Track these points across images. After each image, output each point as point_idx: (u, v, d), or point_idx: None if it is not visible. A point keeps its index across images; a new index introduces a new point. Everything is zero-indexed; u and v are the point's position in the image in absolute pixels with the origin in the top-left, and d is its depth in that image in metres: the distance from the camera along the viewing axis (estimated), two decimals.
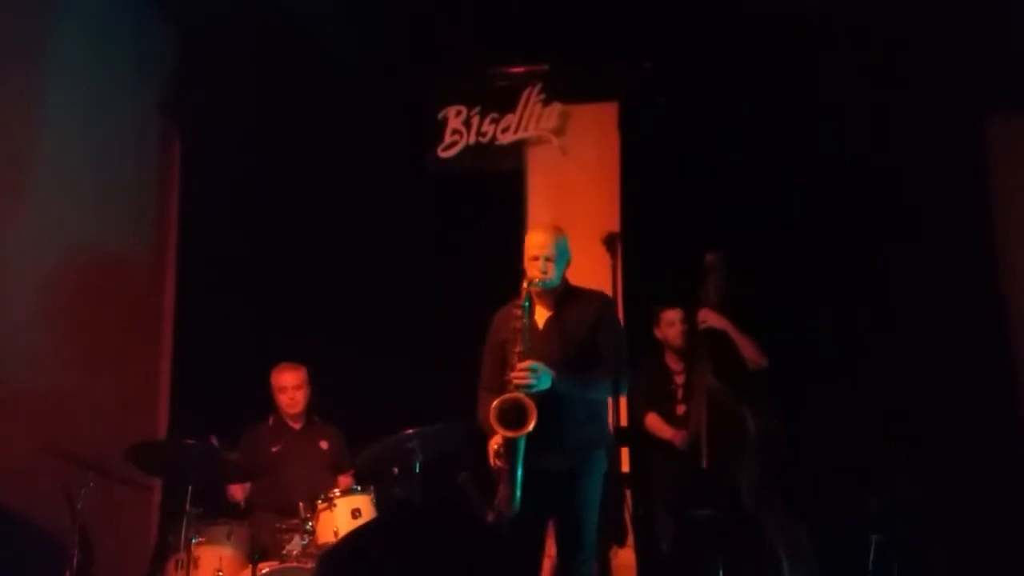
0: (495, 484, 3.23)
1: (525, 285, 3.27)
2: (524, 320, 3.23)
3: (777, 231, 4.59)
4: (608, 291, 3.82)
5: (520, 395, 3.15)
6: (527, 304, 3.26)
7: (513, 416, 3.16)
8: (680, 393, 4.37)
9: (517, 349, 3.21)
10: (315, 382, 4.50)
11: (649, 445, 4.34)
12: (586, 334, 3.35)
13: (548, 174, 5.18)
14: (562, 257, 3.39)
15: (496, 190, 5.07)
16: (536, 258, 3.34)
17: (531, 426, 3.12)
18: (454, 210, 5.03)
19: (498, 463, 3.20)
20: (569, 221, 5.04)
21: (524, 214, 5.08)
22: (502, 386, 3.24)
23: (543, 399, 3.15)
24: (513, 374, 3.16)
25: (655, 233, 4.75)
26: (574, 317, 3.37)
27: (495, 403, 3.16)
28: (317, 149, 5.19)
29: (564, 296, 3.41)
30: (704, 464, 4.08)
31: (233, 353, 4.94)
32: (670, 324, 4.37)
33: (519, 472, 3.17)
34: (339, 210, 5.14)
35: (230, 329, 5.00)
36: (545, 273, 3.32)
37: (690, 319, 4.33)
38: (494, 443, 3.24)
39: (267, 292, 5.10)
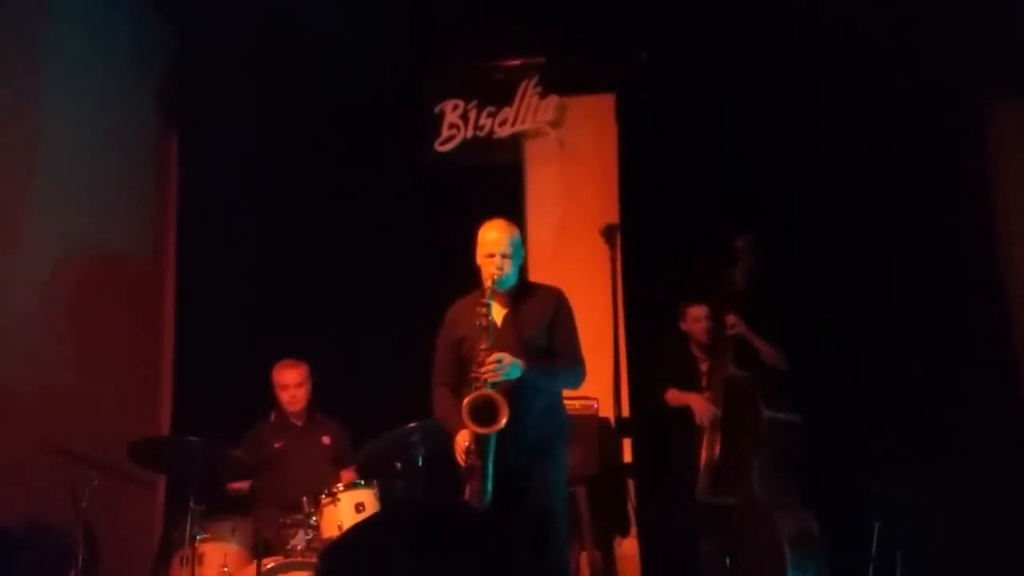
0: (465, 480, 3.26)
1: (489, 284, 3.29)
2: (488, 318, 3.25)
3: (776, 220, 4.57)
4: (608, 281, 3.82)
5: (491, 392, 3.19)
6: (490, 302, 3.27)
7: (484, 413, 3.20)
8: (704, 380, 4.36)
9: (483, 347, 3.23)
10: (317, 377, 4.49)
11: (662, 429, 4.34)
12: (543, 330, 3.39)
13: (546, 167, 5.20)
14: (517, 253, 3.40)
15: (494, 184, 5.08)
16: (492, 255, 3.35)
17: (503, 422, 3.16)
18: (452, 204, 5.02)
19: (469, 460, 3.24)
20: (568, 213, 5.15)
21: (523, 207, 5.12)
22: (468, 383, 3.27)
23: (509, 396, 3.19)
24: (482, 369, 3.19)
25: (654, 224, 4.77)
26: (530, 313, 3.41)
27: (466, 401, 3.20)
28: (315, 144, 5.16)
29: (520, 292, 3.44)
30: (717, 449, 4.10)
31: (234, 349, 4.94)
32: (695, 320, 4.38)
33: (490, 467, 3.21)
34: (337, 205, 5.15)
35: (231, 325, 5.00)
36: (501, 270, 3.33)
37: (714, 315, 4.33)
38: (462, 440, 3.27)
39: (267, 287, 5.10)
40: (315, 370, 4.49)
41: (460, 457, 3.28)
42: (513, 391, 3.23)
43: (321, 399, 4.55)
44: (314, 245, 5.12)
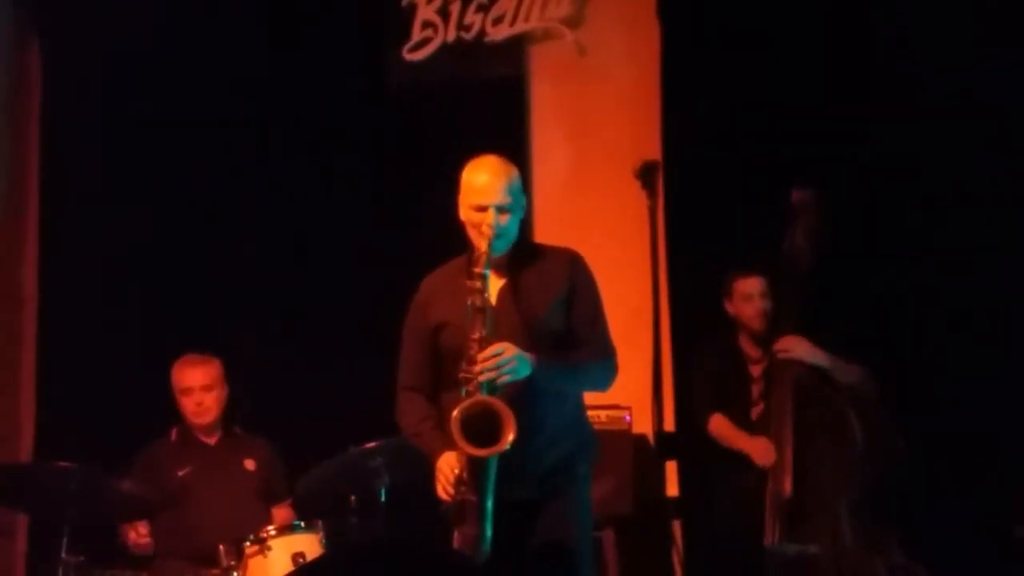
0: (452, 523, 3.26)
1: (484, 248, 3.27)
2: (484, 295, 3.24)
3: (883, 158, 4.58)
4: (646, 240, 3.86)
5: (491, 399, 3.17)
6: (486, 273, 3.26)
7: (483, 428, 3.17)
8: (757, 389, 4.43)
9: (476, 336, 3.21)
10: (235, 381, 4.54)
11: (711, 454, 4.42)
12: (556, 308, 3.38)
13: (560, 83, 5.22)
14: (517, 204, 3.37)
15: (485, 107, 5.10)
16: (483, 208, 3.31)
17: (509, 439, 3.14)
18: (428, 138, 5.06)
19: (460, 495, 3.22)
20: (588, 147, 5.15)
21: (526, 140, 5.15)
22: (453, 386, 3.28)
23: (512, 406, 3.18)
24: (478, 367, 3.18)
25: (709, 162, 4.79)
26: (537, 285, 3.40)
27: (455, 412, 3.18)
28: (235, 58, 5.19)
29: (520, 257, 3.43)
30: (788, 482, 4.15)
31: (121, 345, 5.02)
32: (746, 298, 4.44)
33: (489, 504, 3.20)
34: (267, 144, 5.20)
35: (116, 312, 5.07)
36: (497, 228, 3.30)
37: (774, 288, 4.38)
38: (448, 467, 3.26)
39: (167, 262, 5.15)
40: (232, 370, 4.53)
41: (445, 490, 3.27)
42: (520, 396, 3.21)
43: (242, 410, 4.60)
44: (234, 201, 5.17)
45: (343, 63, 5.20)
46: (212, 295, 5.07)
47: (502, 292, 3.38)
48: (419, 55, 5.24)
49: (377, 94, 5.23)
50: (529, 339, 3.30)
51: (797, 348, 4.24)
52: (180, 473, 4.43)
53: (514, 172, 3.38)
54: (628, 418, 4.64)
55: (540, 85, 5.24)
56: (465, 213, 3.35)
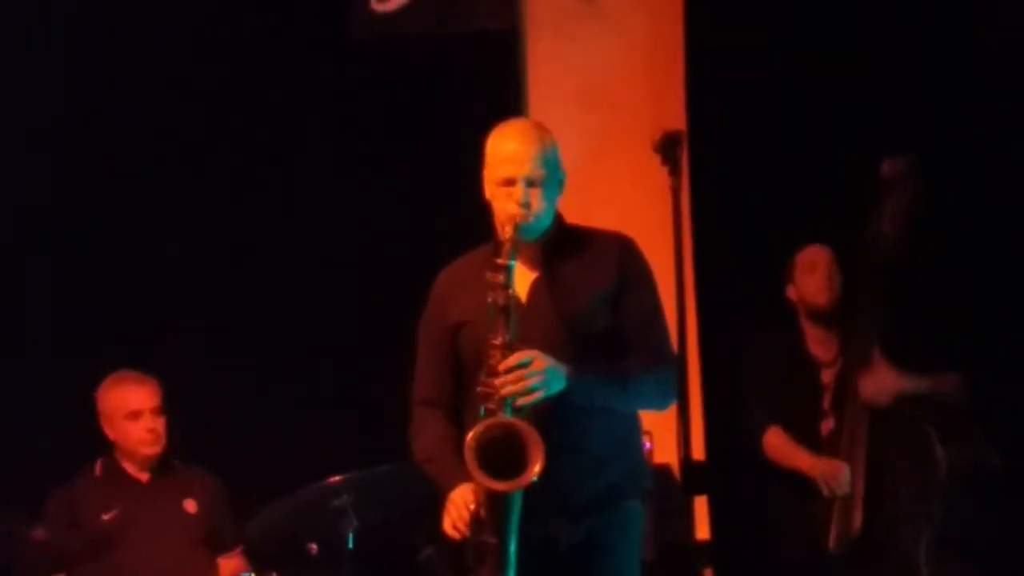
0: (471, 568, 3.27)
1: (510, 232, 3.27)
2: (509, 291, 3.23)
3: (966, 130, 4.58)
4: (667, 225, 3.85)
5: (513, 420, 3.18)
6: (511, 264, 3.25)
7: (504, 456, 3.17)
8: (828, 399, 4.42)
9: (498, 340, 3.21)
10: (168, 403, 4.50)
11: (765, 482, 4.43)
12: (601, 305, 3.37)
13: (562, 38, 5.23)
14: (553, 178, 3.37)
15: (473, 68, 5.13)
16: (511, 182, 3.32)
17: (536, 470, 3.15)
18: (401, 105, 5.09)
19: (478, 536, 3.24)
20: (600, 116, 5.21)
21: (522, 107, 5.16)
22: (473, 403, 3.28)
23: (542, 420, 3.20)
24: (499, 380, 3.18)
25: (741, 133, 4.81)
26: (578, 277, 3.40)
27: (472, 435, 3.18)
28: (173, 15, 5.21)
29: (558, 243, 3.44)
30: (858, 516, 4.18)
31: (27, 364, 5.02)
32: (810, 268, 4.45)
33: (512, 547, 3.21)
34: (210, 116, 5.21)
35: (25, 328, 5.08)
36: (528, 208, 3.31)
37: (843, 261, 4.39)
38: (464, 500, 3.27)
39: (84, 264, 5.15)
40: (165, 391, 4.49)
41: (455, 526, 3.28)
42: (554, 408, 3.23)
43: (180, 440, 4.57)
44: (166, 189, 5.16)
45: (298, 14, 5.19)
46: (137, 300, 5.05)
47: (535, 287, 3.38)
48: (390, 5, 5.25)
49: (339, 52, 5.24)
50: (566, 345, 3.30)
51: (882, 396, 4.23)
52: (105, 517, 4.41)
53: (549, 140, 3.38)
54: (648, 445, 4.62)
55: (538, 41, 5.26)
56: (490, 190, 3.36)
